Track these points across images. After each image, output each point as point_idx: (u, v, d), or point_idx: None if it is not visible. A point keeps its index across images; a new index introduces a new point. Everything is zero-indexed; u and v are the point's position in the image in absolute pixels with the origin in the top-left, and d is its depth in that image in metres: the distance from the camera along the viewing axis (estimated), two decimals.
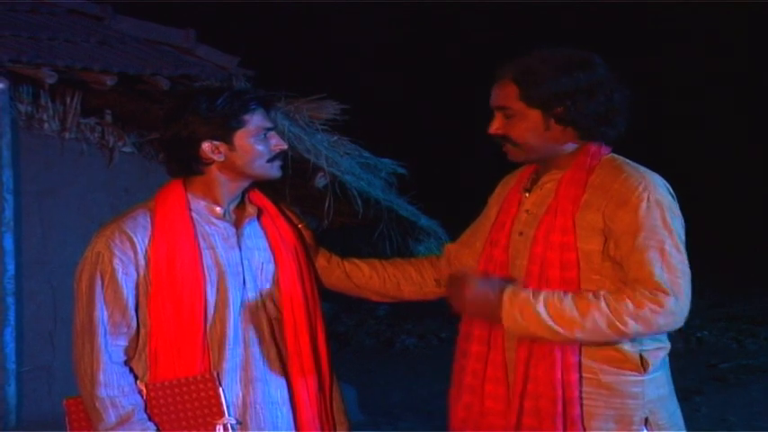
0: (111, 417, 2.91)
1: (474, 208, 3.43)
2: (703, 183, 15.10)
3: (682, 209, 3.01)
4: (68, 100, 5.89)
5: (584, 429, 2.94)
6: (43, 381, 5.91)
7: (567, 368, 2.93)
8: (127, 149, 6.18)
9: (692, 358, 9.58)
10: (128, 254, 2.93)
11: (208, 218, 3.00)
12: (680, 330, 3.06)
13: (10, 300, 5.62)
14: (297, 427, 3.05)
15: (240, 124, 2.96)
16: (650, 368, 2.97)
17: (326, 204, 6.39)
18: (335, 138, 6.46)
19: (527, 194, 3.10)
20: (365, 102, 8.70)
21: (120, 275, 2.93)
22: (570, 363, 2.93)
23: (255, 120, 2.98)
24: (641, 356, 2.95)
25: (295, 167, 6.11)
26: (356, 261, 3.33)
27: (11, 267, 5.63)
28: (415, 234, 6.99)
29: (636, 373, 2.96)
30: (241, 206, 3.07)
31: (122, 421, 2.91)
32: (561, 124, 2.99)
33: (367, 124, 6.92)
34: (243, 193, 3.07)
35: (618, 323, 2.83)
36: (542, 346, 2.95)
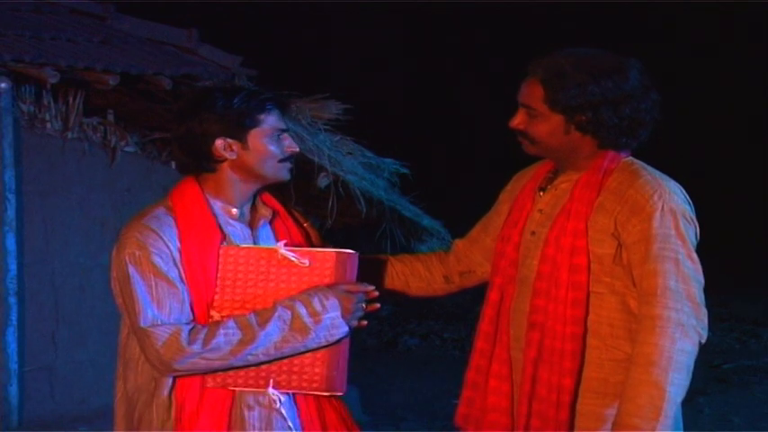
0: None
1: (477, 208, 3.42)
2: (707, 182, 15.08)
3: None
4: (71, 100, 5.88)
5: (592, 430, 2.94)
6: (45, 381, 5.90)
7: (563, 372, 2.93)
8: (129, 149, 6.17)
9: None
10: (164, 250, 2.87)
11: (225, 219, 2.98)
12: None
13: (12, 300, 5.62)
14: (298, 427, 3.03)
15: (255, 123, 2.94)
16: None
17: (329, 204, 6.39)
18: (338, 138, 6.46)
19: (541, 194, 3.08)
20: (368, 102, 8.69)
21: (165, 270, 2.86)
22: (566, 367, 2.93)
23: (270, 120, 2.96)
24: None
25: (298, 167, 6.10)
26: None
27: (13, 267, 5.62)
28: (418, 234, 6.99)
29: None
30: (254, 208, 3.06)
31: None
32: (581, 132, 2.97)
33: (370, 124, 6.91)
34: (254, 196, 3.06)
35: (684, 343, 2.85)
36: (550, 347, 2.95)
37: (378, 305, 2.97)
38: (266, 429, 2.95)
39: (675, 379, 2.83)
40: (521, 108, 3.02)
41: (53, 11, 6.49)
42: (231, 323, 2.83)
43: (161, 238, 2.87)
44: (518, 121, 3.02)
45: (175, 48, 6.47)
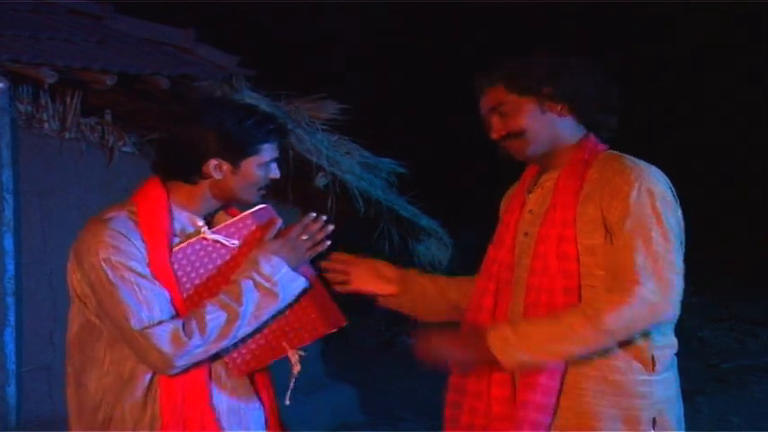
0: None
1: (475, 208, 3.42)
2: (707, 182, 15.09)
3: (685, 208, 3.01)
4: (68, 100, 5.87)
5: (592, 429, 2.94)
6: (43, 381, 5.90)
7: (551, 374, 2.94)
8: (127, 149, 6.17)
9: (693, 358, 9.57)
10: (136, 254, 2.82)
11: (190, 228, 2.94)
12: (681, 330, 3.06)
13: (10, 300, 5.62)
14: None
15: (255, 152, 2.90)
16: (660, 368, 2.96)
17: (328, 204, 6.39)
18: (336, 137, 6.47)
19: (529, 195, 3.12)
20: (365, 101, 8.69)
21: (144, 272, 2.81)
22: (553, 369, 2.94)
23: (269, 149, 2.93)
24: (652, 355, 2.94)
25: (296, 167, 6.12)
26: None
27: (11, 267, 5.62)
28: (416, 234, 6.99)
29: (645, 373, 2.95)
30: (215, 216, 3.03)
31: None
32: (555, 102, 3.01)
33: (367, 124, 6.92)
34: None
35: (598, 325, 2.84)
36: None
37: (331, 226, 2.99)
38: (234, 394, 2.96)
39: (569, 350, 2.88)
40: (491, 117, 3.07)
41: (51, 11, 6.49)
42: (210, 307, 2.81)
43: (132, 241, 2.83)
44: (496, 128, 3.06)
45: (173, 48, 6.46)
